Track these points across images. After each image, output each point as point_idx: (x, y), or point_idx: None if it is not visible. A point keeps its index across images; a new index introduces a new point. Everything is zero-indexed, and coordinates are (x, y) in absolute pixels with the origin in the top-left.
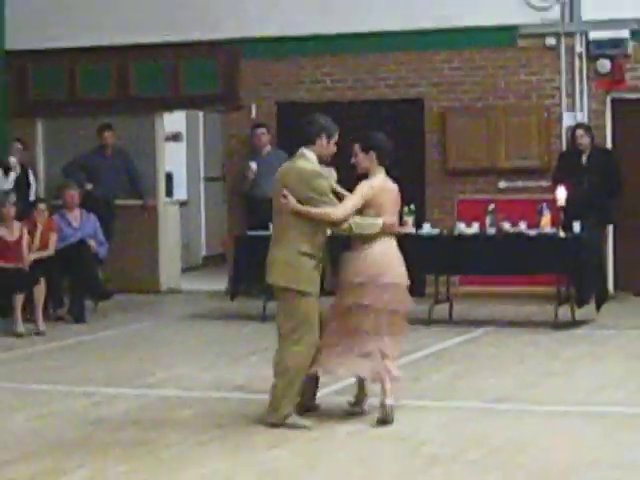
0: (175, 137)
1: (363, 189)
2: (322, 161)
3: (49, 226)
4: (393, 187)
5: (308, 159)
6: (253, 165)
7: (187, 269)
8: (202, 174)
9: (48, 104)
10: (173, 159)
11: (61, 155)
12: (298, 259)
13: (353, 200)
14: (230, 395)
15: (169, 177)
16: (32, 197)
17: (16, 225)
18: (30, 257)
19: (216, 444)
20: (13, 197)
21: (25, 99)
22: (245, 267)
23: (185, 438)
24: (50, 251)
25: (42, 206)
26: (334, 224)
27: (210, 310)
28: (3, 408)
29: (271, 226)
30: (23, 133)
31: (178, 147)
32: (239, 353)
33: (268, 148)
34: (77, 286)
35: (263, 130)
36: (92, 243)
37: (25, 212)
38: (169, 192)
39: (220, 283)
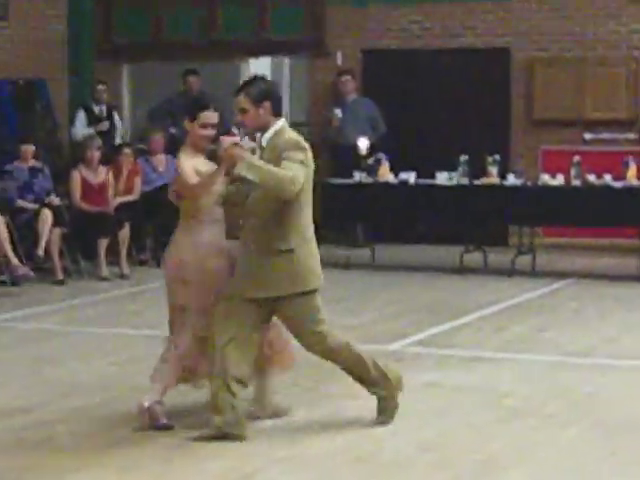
0: None
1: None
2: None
3: (134, 170)
4: None
5: None
6: (338, 112)
7: None
8: (287, 119)
9: (134, 48)
10: None
11: (146, 99)
12: None
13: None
14: None
15: None
16: (118, 141)
17: (101, 169)
18: (115, 201)
19: (295, 392)
20: (98, 141)
21: (111, 43)
22: (329, 214)
23: None
24: (135, 195)
25: (127, 150)
26: None
27: None
28: (87, 352)
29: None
30: (109, 77)
31: None
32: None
33: (353, 95)
34: (160, 230)
35: (348, 77)
36: None
37: (110, 156)
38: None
39: None
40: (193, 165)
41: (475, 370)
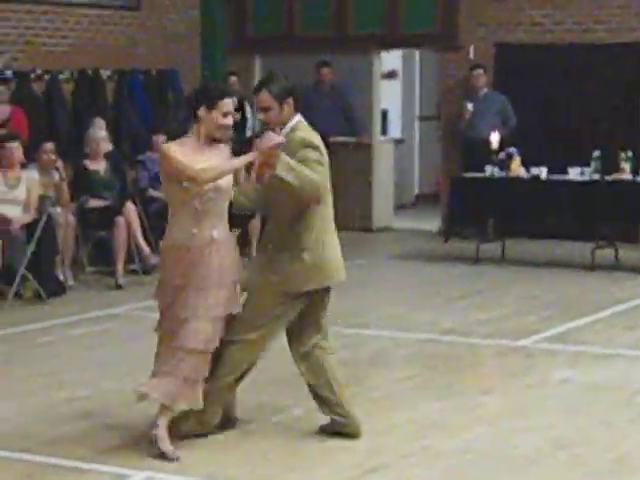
0: (391, 75)
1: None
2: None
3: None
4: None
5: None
6: (469, 105)
7: (400, 207)
8: (417, 113)
9: (267, 40)
10: (388, 97)
11: None
12: None
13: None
14: (440, 337)
15: (384, 115)
16: (248, 132)
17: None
18: None
19: (426, 386)
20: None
21: (244, 35)
22: (460, 209)
23: (396, 379)
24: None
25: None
26: None
27: (422, 250)
28: None
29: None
30: (241, 69)
31: (394, 85)
32: (451, 295)
33: (485, 90)
34: None
35: (480, 71)
36: None
37: (241, 148)
38: (384, 130)
39: (432, 222)
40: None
41: (607, 367)
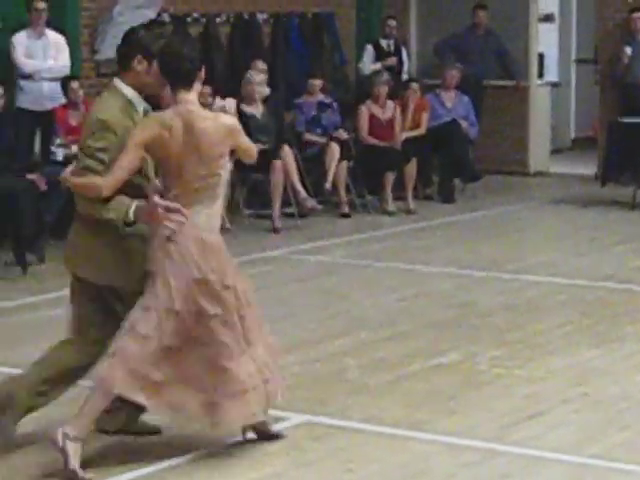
0: (548, 18)
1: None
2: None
3: (421, 105)
4: None
5: (113, 96)
6: (628, 49)
7: (555, 151)
8: (573, 56)
9: None
10: (545, 40)
11: (433, 33)
12: None
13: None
14: (598, 284)
15: (540, 58)
16: (405, 76)
17: (389, 104)
18: (402, 136)
19: (585, 333)
20: (386, 76)
21: None
22: (617, 154)
23: (555, 325)
24: (421, 130)
25: (415, 85)
26: None
27: (578, 195)
28: (374, 286)
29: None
30: (397, 11)
31: (550, 28)
32: (607, 241)
33: None
34: (447, 166)
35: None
36: (464, 124)
37: (398, 91)
38: (540, 73)
39: (588, 167)
40: None
41: None
